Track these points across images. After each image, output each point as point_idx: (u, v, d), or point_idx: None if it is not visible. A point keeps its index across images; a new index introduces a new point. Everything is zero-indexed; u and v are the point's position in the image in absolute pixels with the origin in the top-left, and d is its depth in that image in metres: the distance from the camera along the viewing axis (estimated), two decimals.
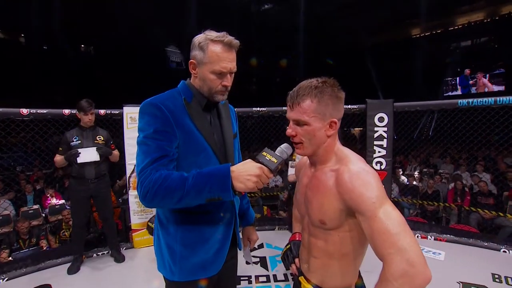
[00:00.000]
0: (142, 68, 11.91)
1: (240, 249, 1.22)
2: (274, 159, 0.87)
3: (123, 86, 10.93)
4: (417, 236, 3.29)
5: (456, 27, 13.08)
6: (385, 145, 3.31)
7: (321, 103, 0.82)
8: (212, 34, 0.98)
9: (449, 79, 12.16)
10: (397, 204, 4.69)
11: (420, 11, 12.14)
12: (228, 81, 1.01)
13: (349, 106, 3.48)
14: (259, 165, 0.87)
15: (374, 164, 3.35)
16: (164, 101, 0.98)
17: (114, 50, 12.09)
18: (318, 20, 12.24)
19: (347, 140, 4.15)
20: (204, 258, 1.03)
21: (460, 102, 3.08)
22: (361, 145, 4.53)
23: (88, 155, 2.57)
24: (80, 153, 2.54)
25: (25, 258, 2.72)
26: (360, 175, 0.77)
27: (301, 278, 0.98)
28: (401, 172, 5.60)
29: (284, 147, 0.91)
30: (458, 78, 12.01)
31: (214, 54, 0.97)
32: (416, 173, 5.78)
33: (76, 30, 10.94)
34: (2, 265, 2.63)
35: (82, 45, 14.35)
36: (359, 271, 0.98)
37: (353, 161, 0.82)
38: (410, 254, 0.67)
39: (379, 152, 3.34)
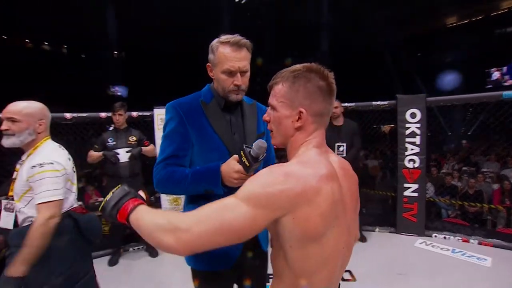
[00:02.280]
0: (172, 71, 12.45)
1: (264, 249, 1.19)
2: (247, 163, 0.92)
3: (154, 88, 11.50)
4: (458, 240, 3.06)
5: (501, 12, 11.90)
6: (418, 142, 3.13)
7: (292, 88, 0.72)
8: (223, 37, 1.04)
9: (494, 69, 11.11)
10: (432, 204, 4.40)
11: None
12: (239, 80, 1.05)
13: (379, 103, 3.35)
14: (237, 168, 0.95)
15: (406, 162, 3.18)
16: (182, 103, 1.09)
17: (145, 54, 12.74)
18: (344, 15, 11.77)
19: (377, 137, 3.96)
20: (216, 251, 1.06)
21: (505, 94, 2.81)
22: (391, 143, 4.32)
23: (122, 156, 2.76)
24: (119, 154, 2.73)
25: None
26: (268, 170, 0.66)
27: None
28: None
29: (261, 143, 0.90)
30: (505, 68, 10.92)
31: (222, 55, 1.03)
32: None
33: (108, 37, 11.70)
34: None
35: (115, 52, 15.35)
36: None
37: (294, 162, 0.70)
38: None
39: (411, 149, 3.16)
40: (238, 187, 0.67)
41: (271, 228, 0.68)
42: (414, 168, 3.16)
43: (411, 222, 3.20)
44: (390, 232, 3.34)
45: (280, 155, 2.60)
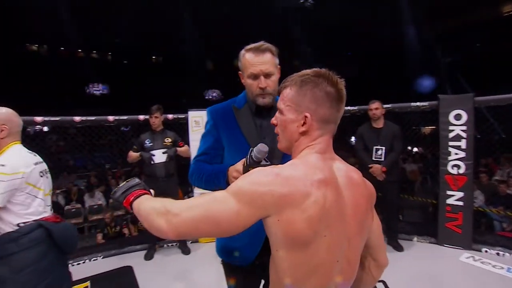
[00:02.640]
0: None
1: None
2: (245, 164, 0.96)
3: (188, 92, 12.05)
4: None
5: None
6: (463, 146, 2.85)
7: (299, 92, 0.72)
8: (248, 45, 1.11)
9: None
10: (482, 215, 3.98)
11: None
12: (262, 83, 1.09)
13: (418, 104, 3.12)
14: (237, 168, 1.00)
15: (450, 168, 2.92)
16: (217, 109, 1.21)
17: (180, 59, 13.37)
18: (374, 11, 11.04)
19: (416, 140, 3.70)
20: (236, 247, 1.12)
21: None
22: (432, 146, 4.01)
23: (158, 157, 2.91)
24: (154, 155, 2.90)
25: (114, 241, 3.24)
26: (262, 169, 0.68)
27: None
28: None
29: (261, 146, 0.92)
30: None
31: (246, 61, 1.11)
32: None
33: (147, 44, 12.53)
34: (99, 246, 3.18)
35: (153, 57, 16.35)
36: None
37: (289, 164, 0.70)
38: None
39: (456, 154, 2.89)
40: None
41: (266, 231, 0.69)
42: (458, 174, 2.89)
43: (455, 233, 2.93)
44: (430, 242, 3.10)
45: None
